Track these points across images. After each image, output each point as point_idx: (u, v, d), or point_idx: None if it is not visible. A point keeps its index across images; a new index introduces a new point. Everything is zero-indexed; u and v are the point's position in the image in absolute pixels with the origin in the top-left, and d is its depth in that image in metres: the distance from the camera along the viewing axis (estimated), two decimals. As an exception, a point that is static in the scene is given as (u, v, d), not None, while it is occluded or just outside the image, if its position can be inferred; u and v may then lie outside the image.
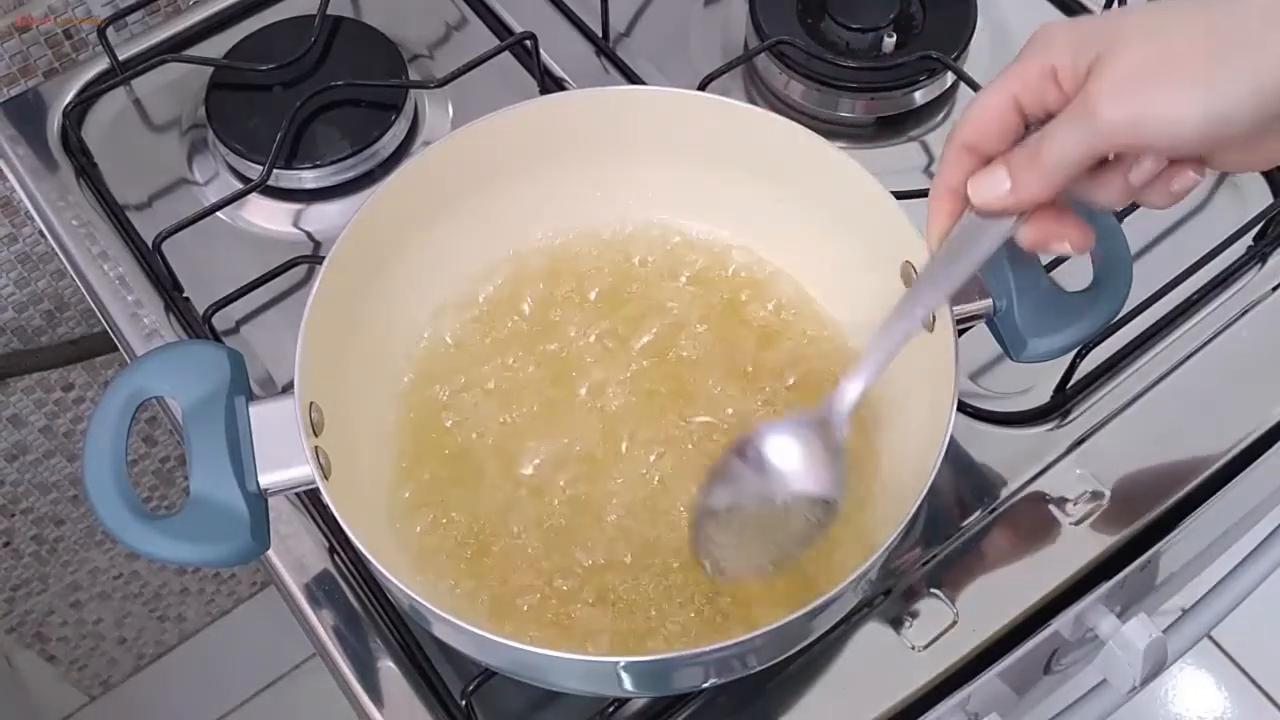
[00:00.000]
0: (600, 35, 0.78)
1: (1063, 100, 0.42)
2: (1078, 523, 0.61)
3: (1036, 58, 0.42)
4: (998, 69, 0.45)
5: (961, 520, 0.61)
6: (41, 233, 0.75)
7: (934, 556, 0.60)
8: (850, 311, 0.60)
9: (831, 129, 0.74)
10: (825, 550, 0.55)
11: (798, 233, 0.60)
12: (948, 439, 0.48)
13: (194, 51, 0.78)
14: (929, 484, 0.47)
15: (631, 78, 0.76)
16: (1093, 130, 0.40)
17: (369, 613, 0.59)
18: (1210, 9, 0.39)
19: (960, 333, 0.52)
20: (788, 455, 0.51)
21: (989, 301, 0.54)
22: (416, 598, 0.46)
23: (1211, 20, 0.38)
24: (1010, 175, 0.44)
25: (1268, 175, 0.72)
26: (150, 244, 0.68)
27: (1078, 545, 0.60)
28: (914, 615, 0.58)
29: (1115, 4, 0.77)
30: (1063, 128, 0.41)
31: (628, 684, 0.51)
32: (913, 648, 0.58)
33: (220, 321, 0.67)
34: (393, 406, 0.59)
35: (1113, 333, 0.64)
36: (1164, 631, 0.66)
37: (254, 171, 0.71)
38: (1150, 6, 0.40)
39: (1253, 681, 1.41)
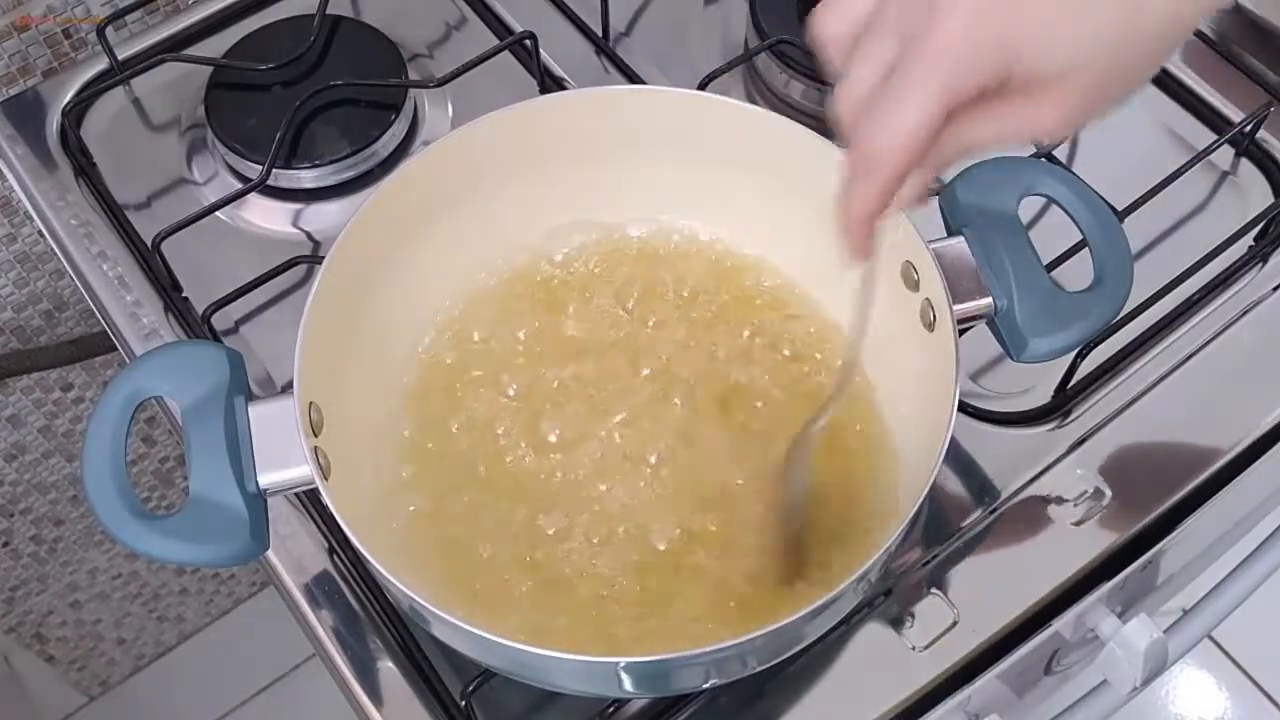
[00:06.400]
0: (600, 35, 0.78)
1: None
2: (1078, 523, 0.60)
3: (984, 68, 0.36)
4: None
5: (962, 520, 0.61)
6: (40, 232, 0.75)
7: (934, 557, 0.60)
8: (851, 311, 0.60)
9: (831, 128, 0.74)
10: (825, 550, 0.55)
11: (798, 232, 0.60)
12: (948, 439, 0.48)
13: (193, 51, 0.78)
14: (929, 484, 0.47)
15: (631, 77, 0.76)
16: (1032, 138, 0.39)
17: (368, 613, 0.59)
18: None
19: (961, 333, 0.52)
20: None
21: (989, 301, 0.54)
22: (416, 598, 0.46)
23: None
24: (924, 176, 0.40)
25: (1268, 175, 0.72)
26: (149, 244, 0.68)
27: (1078, 545, 0.60)
28: (914, 616, 0.58)
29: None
30: (1003, 129, 0.38)
31: (627, 684, 0.51)
32: (913, 648, 0.57)
33: (219, 321, 0.67)
34: (392, 406, 0.59)
35: (1113, 332, 0.64)
36: (1165, 632, 0.66)
37: (253, 171, 0.71)
38: None
39: (1253, 682, 1.41)
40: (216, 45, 0.78)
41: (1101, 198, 0.58)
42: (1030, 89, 0.36)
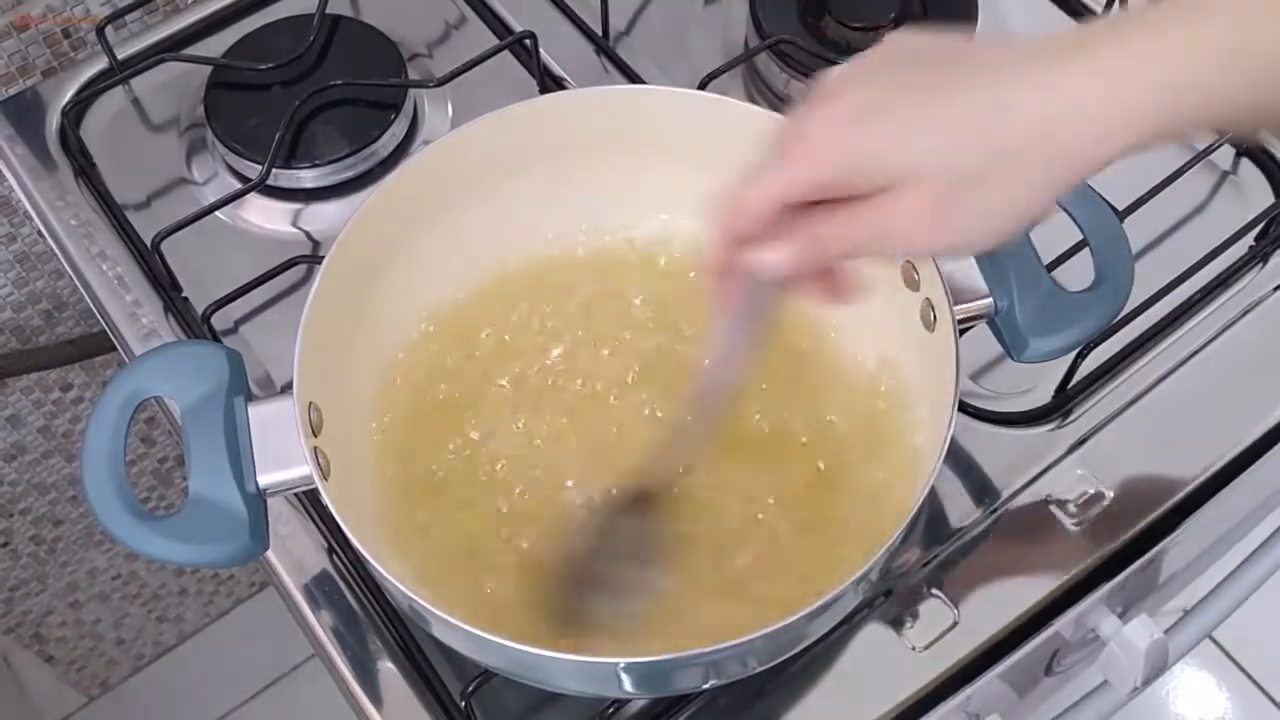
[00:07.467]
0: (600, 34, 0.78)
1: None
2: (1079, 523, 0.60)
3: (808, 174, 0.41)
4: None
5: (962, 521, 0.61)
6: (40, 232, 0.74)
7: (935, 557, 0.60)
8: (849, 312, 0.60)
9: (832, 128, 0.74)
10: (826, 550, 0.55)
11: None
12: (949, 439, 0.48)
13: (192, 50, 0.78)
14: (930, 484, 0.47)
15: (631, 77, 0.76)
16: (889, 248, 0.42)
17: (368, 613, 0.59)
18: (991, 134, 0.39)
19: (961, 333, 0.52)
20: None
21: (990, 301, 0.54)
22: (415, 598, 0.46)
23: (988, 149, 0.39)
24: (791, 252, 0.43)
25: (1269, 174, 0.72)
26: (149, 244, 0.68)
27: (1079, 546, 0.60)
28: (915, 616, 0.58)
29: (1116, 5, 0.77)
30: (857, 229, 0.41)
31: (627, 685, 0.51)
32: (913, 648, 0.57)
33: (219, 321, 0.67)
34: (392, 407, 0.59)
35: (1114, 333, 0.64)
36: (1165, 632, 0.66)
37: (253, 171, 0.71)
38: (933, 128, 0.39)
39: (1254, 682, 1.41)
40: (216, 45, 0.78)
41: (1102, 197, 0.58)
42: (884, 197, 0.39)
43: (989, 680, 0.58)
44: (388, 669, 0.58)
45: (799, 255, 0.42)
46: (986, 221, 0.40)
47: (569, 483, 0.57)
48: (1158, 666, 0.65)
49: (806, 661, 0.57)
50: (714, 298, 0.46)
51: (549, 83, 0.76)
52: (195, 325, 0.67)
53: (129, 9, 0.80)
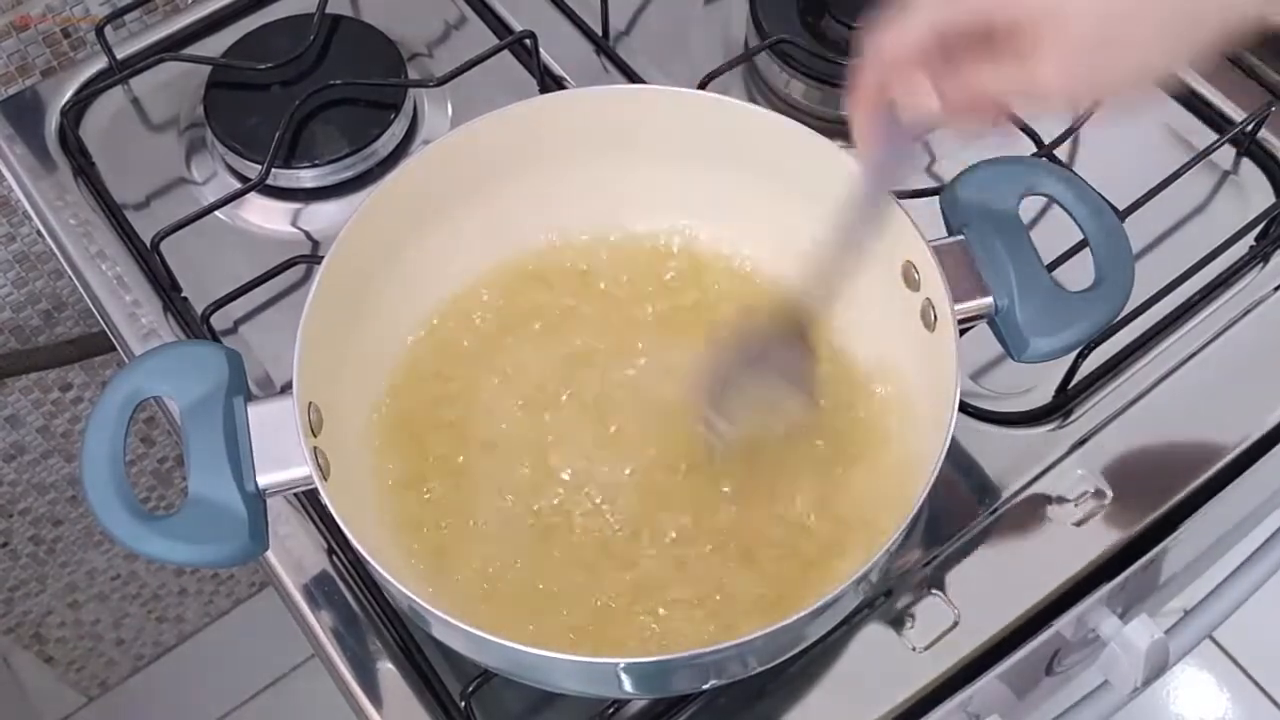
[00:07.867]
0: (600, 34, 0.78)
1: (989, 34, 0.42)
2: (1079, 523, 0.60)
3: (945, 14, 0.42)
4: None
5: (963, 521, 0.61)
6: (39, 232, 0.75)
7: (935, 557, 0.60)
8: (851, 311, 0.60)
9: (832, 128, 0.74)
10: (825, 550, 0.55)
11: (798, 232, 0.60)
12: (949, 439, 0.48)
13: (192, 50, 0.78)
14: (930, 484, 0.47)
15: (631, 76, 0.76)
16: (1037, 96, 0.42)
17: (368, 613, 0.59)
18: None
19: (961, 332, 0.52)
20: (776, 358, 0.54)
21: (990, 301, 0.54)
22: (415, 598, 0.46)
23: None
24: (939, 94, 0.44)
25: (1269, 174, 0.72)
26: (148, 243, 0.68)
27: (1079, 546, 0.60)
28: (915, 616, 0.58)
29: None
30: (1001, 80, 0.42)
31: (627, 685, 0.51)
32: (914, 649, 0.57)
33: (218, 321, 0.67)
34: (392, 407, 0.59)
35: (1114, 332, 0.64)
36: (1166, 632, 0.66)
37: (252, 171, 0.71)
38: None
39: (1254, 682, 1.41)
40: (215, 45, 0.78)
41: (1102, 197, 0.58)
42: (1024, 41, 0.39)
43: (989, 680, 0.58)
44: (388, 669, 0.58)
45: (948, 100, 0.43)
46: (1126, 69, 0.39)
47: (573, 476, 0.57)
48: (1158, 667, 0.65)
49: (806, 661, 0.57)
50: (860, 133, 0.48)
51: (549, 83, 0.76)
52: (195, 325, 0.67)
53: (129, 9, 0.80)
